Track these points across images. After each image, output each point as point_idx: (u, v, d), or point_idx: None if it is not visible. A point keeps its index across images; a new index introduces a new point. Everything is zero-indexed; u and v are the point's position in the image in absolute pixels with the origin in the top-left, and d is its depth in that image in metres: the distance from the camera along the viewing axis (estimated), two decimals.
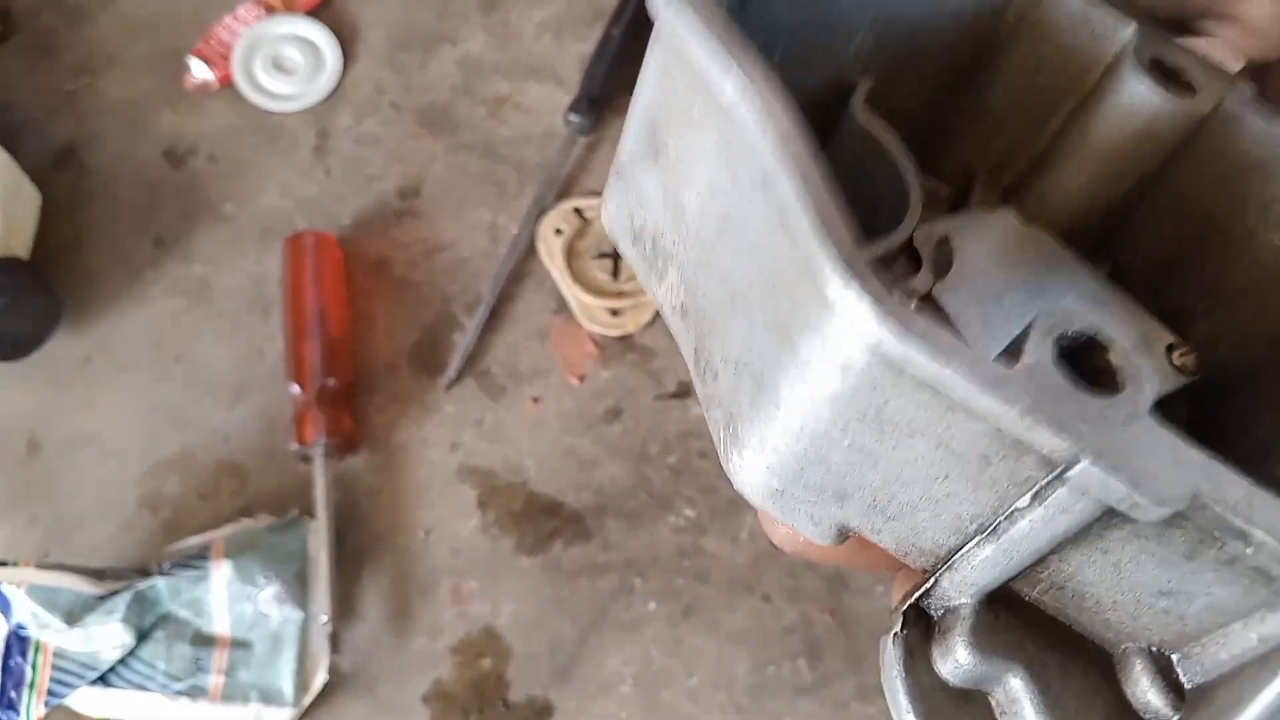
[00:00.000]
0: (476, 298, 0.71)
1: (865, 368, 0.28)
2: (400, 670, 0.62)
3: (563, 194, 0.75)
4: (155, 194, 0.75)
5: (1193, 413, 0.42)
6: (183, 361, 0.70)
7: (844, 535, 0.34)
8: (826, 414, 0.30)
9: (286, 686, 0.59)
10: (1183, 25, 0.46)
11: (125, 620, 0.57)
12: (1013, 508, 0.29)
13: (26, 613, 0.56)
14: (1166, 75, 0.40)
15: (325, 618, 0.60)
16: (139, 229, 0.74)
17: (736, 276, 0.36)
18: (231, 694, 0.58)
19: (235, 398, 0.69)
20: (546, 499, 0.66)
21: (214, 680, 0.58)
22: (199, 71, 0.78)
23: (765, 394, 0.33)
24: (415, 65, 0.80)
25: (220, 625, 0.59)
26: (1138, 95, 0.40)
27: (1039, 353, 0.28)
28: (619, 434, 0.68)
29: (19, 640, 0.57)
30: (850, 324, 0.27)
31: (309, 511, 0.64)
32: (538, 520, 0.66)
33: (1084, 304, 0.38)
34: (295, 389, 0.66)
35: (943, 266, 0.40)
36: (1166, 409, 0.37)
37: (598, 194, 0.75)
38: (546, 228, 0.73)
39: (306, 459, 0.65)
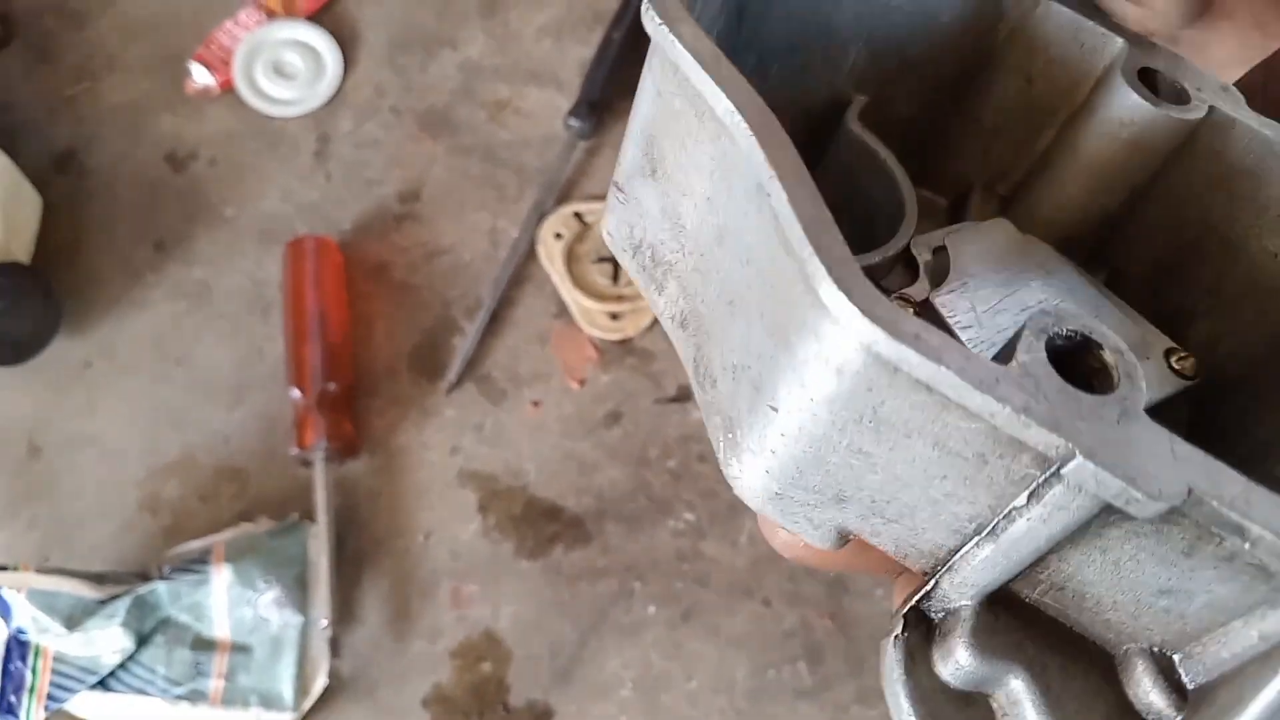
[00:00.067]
0: (477, 302, 0.71)
1: (860, 369, 0.28)
2: (400, 674, 0.62)
3: (563, 198, 0.75)
4: (156, 197, 0.75)
5: (1193, 414, 0.42)
6: (183, 365, 0.70)
7: (844, 538, 0.34)
8: (824, 416, 0.30)
9: (286, 691, 0.59)
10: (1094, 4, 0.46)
11: (125, 625, 0.57)
12: (1010, 507, 0.29)
13: (27, 617, 0.56)
14: (1156, 84, 0.41)
15: (325, 622, 0.60)
16: (139, 232, 0.74)
17: (734, 284, 0.37)
18: (231, 698, 0.58)
19: (235, 401, 0.69)
20: (546, 503, 0.66)
21: (214, 684, 0.58)
22: (200, 76, 0.78)
23: (763, 398, 0.33)
24: (415, 69, 0.80)
25: (220, 630, 0.59)
26: (1127, 106, 0.40)
27: (1032, 352, 0.28)
28: (619, 438, 0.68)
29: (19, 645, 0.57)
30: (844, 326, 0.28)
31: (309, 515, 0.64)
32: (538, 524, 0.66)
33: (1079, 307, 0.38)
34: (295, 393, 0.66)
35: (939, 275, 0.40)
36: (1166, 412, 0.37)
37: (598, 198, 0.75)
38: (546, 232, 0.73)
39: (307, 463, 0.65)
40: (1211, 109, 0.40)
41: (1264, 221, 0.41)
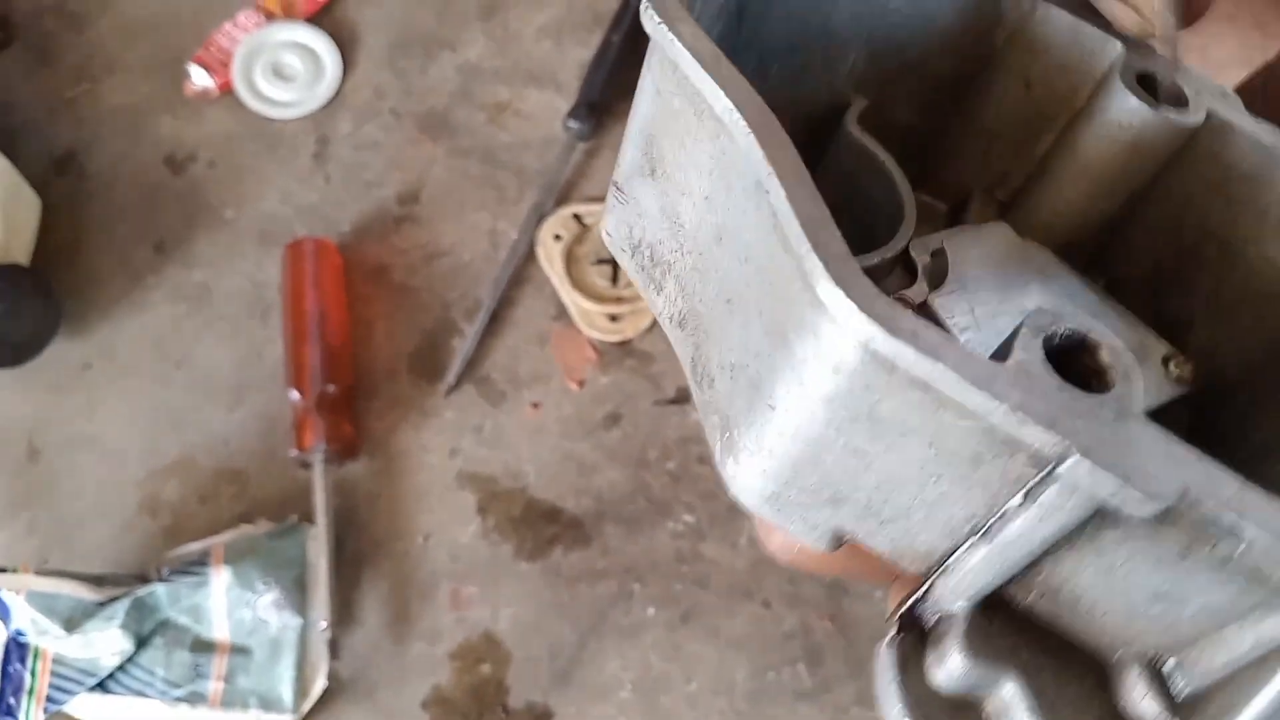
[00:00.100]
0: (476, 303, 0.71)
1: (858, 366, 0.28)
2: (399, 676, 0.62)
3: (562, 200, 0.75)
4: (155, 199, 0.75)
5: (1192, 419, 0.42)
6: (183, 366, 0.70)
7: (839, 540, 0.34)
8: (821, 414, 0.30)
9: (286, 692, 0.59)
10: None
11: (124, 626, 0.57)
12: (1005, 508, 0.29)
13: (25, 619, 0.56)
14: (1155, 88, 0.41)
15: (324, 624, 0.60)
16: (139, 234, 0.74)
17: (733, 283, 0.37)
18: (231, 700, 0.58)
19: (235, 402, 0.69)
20: (546, 504, 0.66)
21: (213, 686, 0.58)
22: (199, 78, 0.78)
23: (761, 397, 0.33)
24: (415, 71, 0.80)
25: (219, 631, 0.59)
26: (1126, 110, 0.40)
27: (1029, 350, 0.28)
28: (618, 439, 0.68)
29: (18, 647, 0.57)
30: (842, 323, 0.28)
31: (308, 517, 0.64)
32: (537, 526, 0.66)
33: (1075, 319, 0.38)
34: (295, 395, 0.66)
35: (938, 277, 0.40)
36: (1165, 417, 0.37)
37: (597, 200, 0.75)
38: (546, 233, 0.73)
39: (306, 465, 0.65)
40: (1210, 113, 0.40)
41: (1262, 227, 0.41)
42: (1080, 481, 0.27)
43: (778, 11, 0.42)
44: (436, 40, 0.81)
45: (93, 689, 0.57)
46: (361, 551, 0.65)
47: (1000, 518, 0.29)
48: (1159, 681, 0.31)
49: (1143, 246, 0.45)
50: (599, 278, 0.72)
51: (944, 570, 0.32)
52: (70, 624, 0.56)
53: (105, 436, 0.68)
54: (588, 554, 0.65)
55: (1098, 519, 0.28)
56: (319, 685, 0.60)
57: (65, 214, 0.74)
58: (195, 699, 0.58)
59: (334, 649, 0.61)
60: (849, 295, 0.27)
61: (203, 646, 0.59)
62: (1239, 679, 0.30)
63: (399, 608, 0.63)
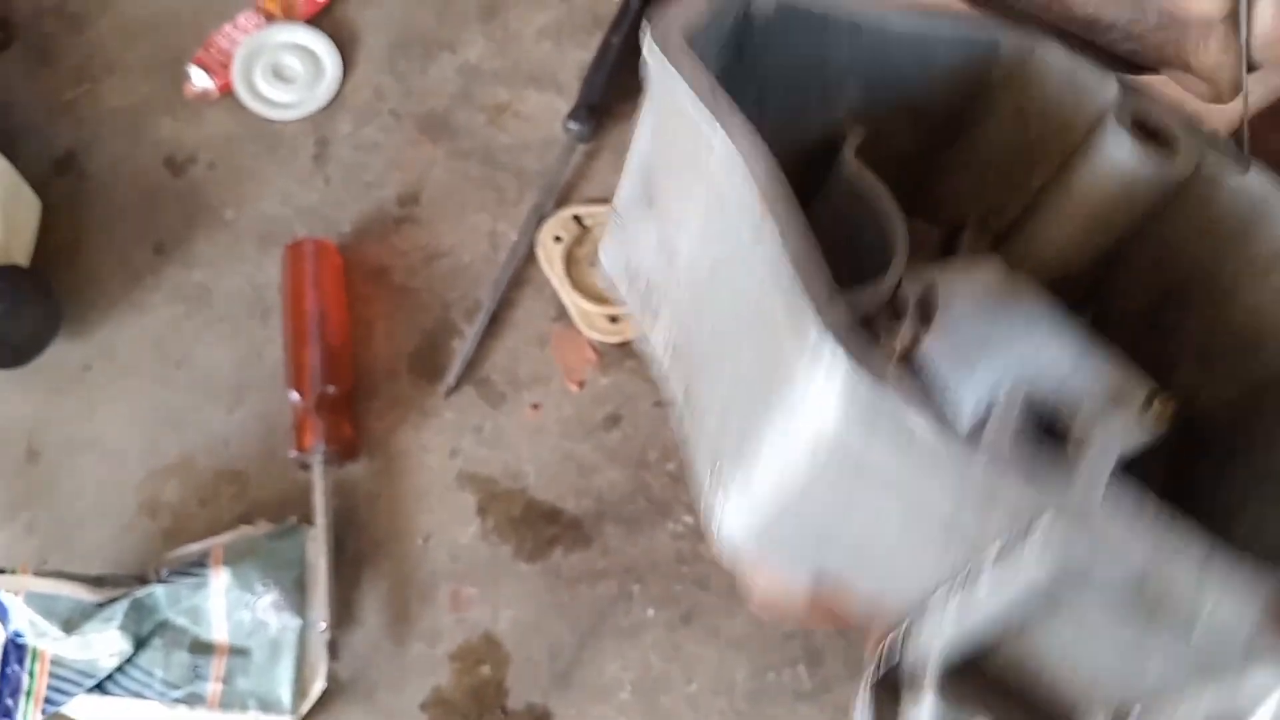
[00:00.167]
0: (476, 304, 0.71)
1: (844, 415, 0.29)
2: (399, 677, 0.62)
3: (562, 201, 0.75)
4: (155, 201, 0.75)
5: (1171, 466, 0.42)
6: (183, 367, 0.70)
7: (820, 580, 0.35)
8: (807, 458, 0.31)
9: (285, 694, 0.59)
10: (1142, 67, 0.46)
11: (123, 628, 0.57)
12: (980, 562, 0.29)
13: (24, 620, 0.56)
14: (1148, 133, 0.41)
15: (324, 625, 0.60)
16: (139, 235, 0.74)
17: (726, 320, 0.37)
18: (229, 701, 0.58)
19: (235, 403, 0.69)
20: (546, 505, 0.66)
21: (212, 688, 0.58)
22: (199, 79, 0.78)
23: (751, 436, 0.33)
24: (415, 72, 0.80)
25: (218, 633, 0.59)
26: (1120, 156, 0.40)
27: (1008, 415, 0.29)
28: (618, 440, 0.68)
29: (16, 648, 0.57)
30: (829, 371, 0.28)
31: (308, 518, 0.64)
32: (537, 526, 0.66)
33: (1059, 360, 0.38)
34: (295, 396, 0.66)
35: (927, 316, 0.40)
36: (1144, 462, 0.37)
37: (597, 201, 0.75)
38: (546, 235, 0.73)
39: (306, 466, 0.65)
40: (1201, 162, 0.40)
41: (1247, 275, 0.41)
42: (1050, 544, 0.27)
43: (778, 48, 0.42)
44: (436, 41, 0.81)
45: (91, 690, 0.57)
46: (361, 552, 0.65)
47: (975, 570, 0.30)
48: None
49: (1131, 284, 0.45)
50: (599, 279, 0.71)
51: (921, 615, 0.32)
52: (69, 625, 0.56)
53: (105, 437, 0.68)
54: (588, 555, 0.65)
55: (1065, 580, 0.28)
56: (318, 686, 0.60)
57: (65, 215, 0.74)
58: (194, 700, 0.58)
59: (333, 650, 0.60)
60: (838, 342, 0.28)
61: (201, 648, 0.59)
62: None
63: (399, 609, 0.63)
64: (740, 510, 0.35)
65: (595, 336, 0.70)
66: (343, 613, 0.62)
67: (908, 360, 0.39)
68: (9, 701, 0.56)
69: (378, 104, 0.79)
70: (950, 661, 0.32)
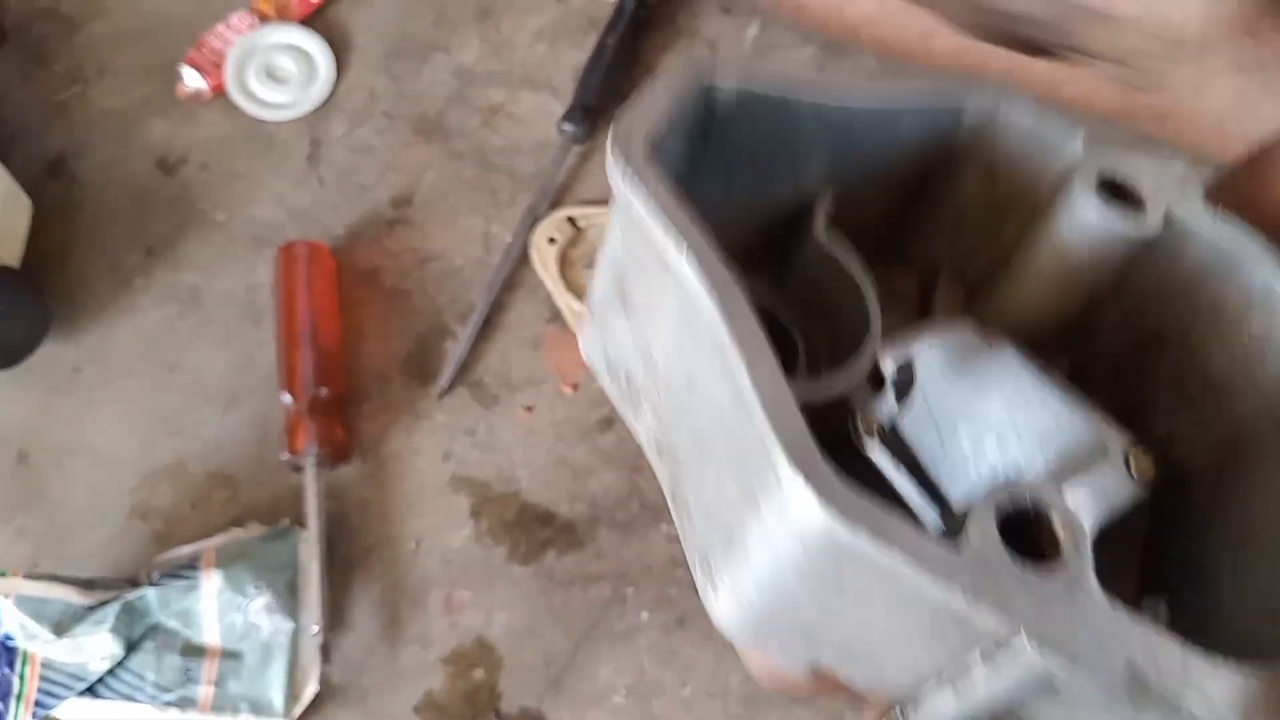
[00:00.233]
0: (469, 307, 0.71)
1: (821, 544, 0.29)
2: (392, 681, 0.61)
3: (556, 203, 0.75)
4: (147, 202, 0.75)
5: (1153, 516, 0.42)
6: (174, 370, 0.70)
7: (816, 668, 0.36)
8: (791, 574, 0.31)
9: (277, 697, 0.59)
10: (1046, 51, 0.47)
11: (114, 631, 0.57)
12: (965, 662, 0.30)
13: (14, 623, 0.56)
14: (1116, 191, 0.41)
15: (316, 628, 0.60)
16: (130, 237, 0.74)
17: (705, 431, 0.37)
18: (221, 705, 0.58)
19: (227, 406, 0.68)
20: (539, 508, 0.66)
21: (204, 691, 0.58)
22: (191, 80, 0.78)
23: (735, 547, 0.34)
24: (409, 74, 0.80)
25: (210, 636, 0.59)
26: (1088, 218, 0.40)
27: (985, 530, 0.30)
28: (612, 443, 0.68)
29: (6, 651, 0.57)
30: (802, 508, 0.28)
31: (300, 521, 0.64)
32: (530, 529, 0.65)
33: (1041, 419, 0.39)
34: (287, 398, 0.65)
35: (904, 389, 0.40)
36: (1126, 518, 0.38)
37: (591, 203, 0.75)
38: (540, 236, 0.73)
39: (298, 468, 0.65)
40: (1169, 217, 0.40)
41: (1220, 323, 0.42)
42: (1030, 657, 0.28)
43: (742, 129, 0.42)
44: (430, 43, 0.81)
45: (82, 693, 0.57)
46: (353, 556, 0.64)
47: (961, 670, 0.30)
48: None
49: (1106, 333, 0.45)
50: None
51: (913, 703, 0.33)
52: (59, 628, 0.56)
53: (96, 441, 0.68)
54: (581, 558, 0.65)
55: (1051, 678, 0.29)
56: (310, 690, 0.60)
57: (56, 217, 0.74)
58: (185, 703, 0.58)
59: (326, 653, 0.60)
60: (810, 485, 0.28)
61: (193, 651, 0.59)
62: None
63: (391, 612, 0.63)
64: (731, 606, 0.35)
65: None
66: (335, 616, 0.62)
67: (887, 434, 0.40)
68: (0, 705, 0.56)
69: (371, 105, 0.79)
70: None
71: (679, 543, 0.65)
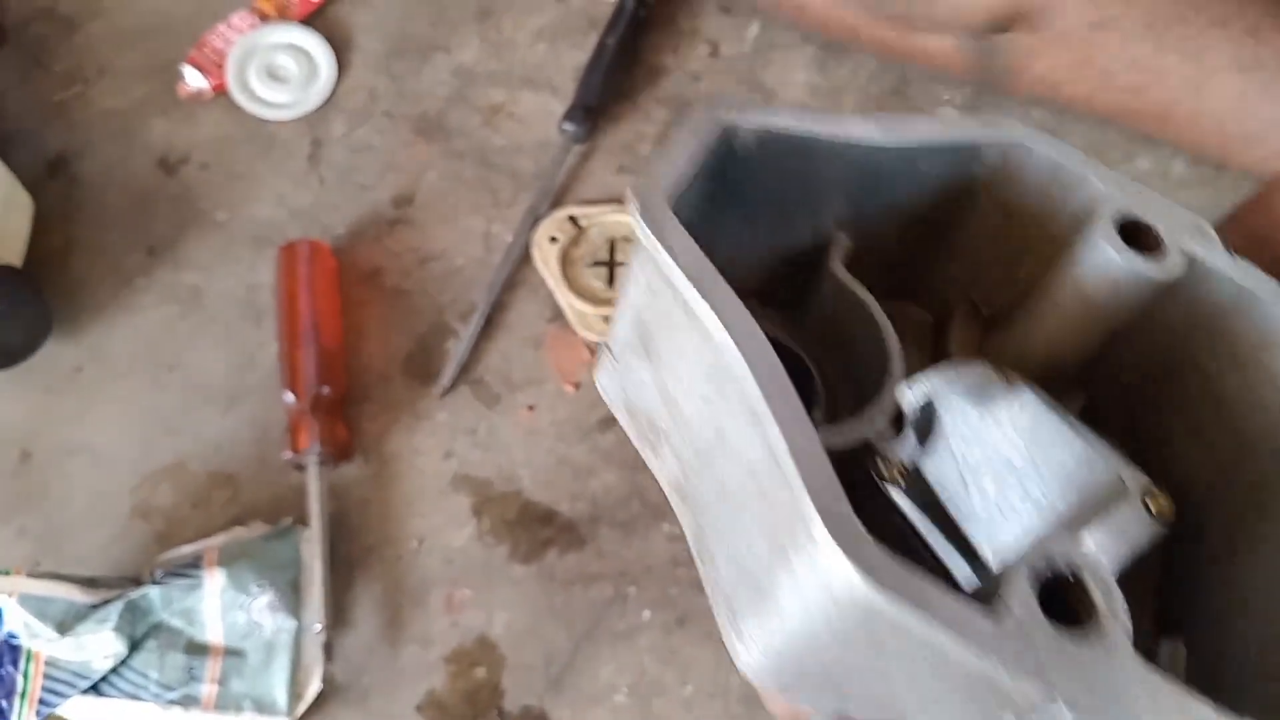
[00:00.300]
0: (470, 306, 0.71)
1: (857, 609, 0.29)
2: (394, 680, 0.62)
3: (557, 202, 0.75)
4: (147, 202, 0.75)
5: (1169, 553, 0.42)
6: (175, 370, 0.70)
7: (842, 718, 0.36)
8: (824, 632, 0.31)
9: (280, 696, 0.59)
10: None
11: (118, 629, 0.57)
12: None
13: (18, 622, 0.56)
14: (1135, 232, 0.41)
15: (319, 626, 0.60)
16: (131, 237, 0.74)
17: (733, 484, 0.37)
18: (225, 703, 0.58)
19: (228, 406, 0.69)
20: (541, 508, 0.66)
21: (207, 689, 0.58)
22: (193, 79, 0.78)
23: (765, 599, 0.34)
24: (410, 74, 0.80)
25: (213, 634, 0.59)
26: (1109, 262, 0.40)
27: (1023, 596, 0.30)
28: (613, 442, 0.68)
29: (10, 649, 0.57)
30: (841, 577, 0.28)
31: (302, 520, 0.64)
32: (532, 528, 0.65)
33: (1063, 461, 0.39)
34: (289, 397, 0.65)
35: (925, 429, 0.41)
36: (1140, 563, 0.38)
37: (592, 202, 0.75)
38: (541, 236, 0.73)
39: (300, 467, 0.65)
40: (1190, 258, 0.40)
41: (1238, 359, 0.42)
42: (1075, 708, 0.28)
43: (762, 171, 0.42)
44: (431, 43, 0.81)
45: (86, 692, 0.57)
46: (355, 554, 0.65)
47: None
48: None
49: (1120, 368, 0.46)
50: (595, 280, 0.71)
51: None
52: (63, 627, 0.56)
53: (97, 440, 0.68)
54: (582, 557, 0.65)
55: None
56: (313, 688, 0.60)
57: (57, 217, 0.74)
58: (189, 702, 0.58)
59: (328, 652, 0.60)
60: (848, 555, 0.28)
61: (196, 649, 0.59)
62: None
63: (393, 611, 0.63)
64: (759, 656, 0.35)
65: (591, 338, 0.70)
66: (337, 615, 0.62)
67: (909, 475, 0.40)
68: (3, 703, 0.56)
69: (372, 105, 0.79)
70: None
71: (681, 542, 0.65)
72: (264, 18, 0.81)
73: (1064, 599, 0.31)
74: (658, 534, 0.65)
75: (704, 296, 0.34)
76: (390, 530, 0.65)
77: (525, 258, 0.73)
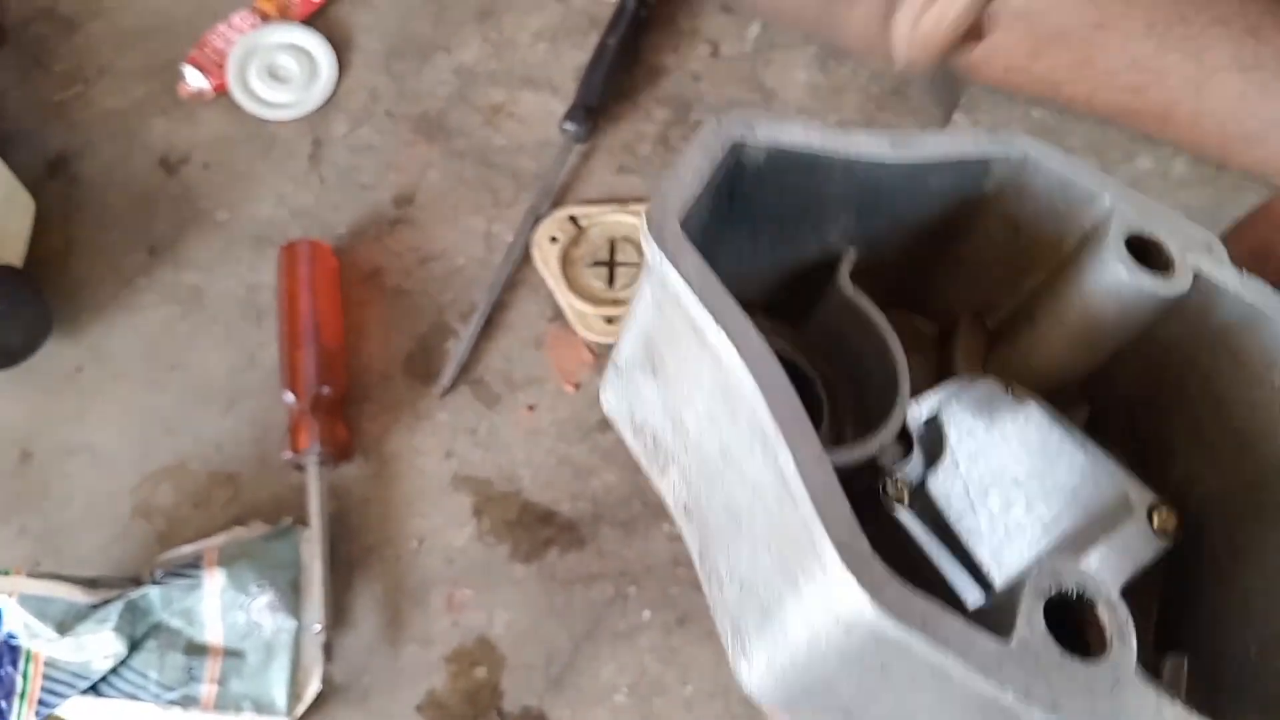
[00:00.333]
0: (471, 306, 0.71)
1: (867, 635, 0.29)
2: (394, 680, 0.62)
3: (558, 202, 0.75)
4: (148, 202, 0.75)
5: (1171, 565, 0.42)
6: (175, 370, 0.70)
7: None
8: (832, 656, 0.31)
9: (280, 696, 0.59)
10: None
11: (117, 629, 0.57)
12: None
13: (18, 622, 0.56)
14: (1145, 247, 0.41)
15: (319, 627, 0.60)
16: (132, 237, 0.74)
17: (739, 504, 0.37)
18: (224, 703, 0.58)
19: (228, 406, 0.69)
20: (541, 507, 0.66)
21: (206, 689, 0.58)
22: (193, 79, 0.78)
23: (772, 622, 0.34)
24: (410, 73, 0.80)
25: (213, 634, 0.59)
26: (1118, 278, 0.40)
27: (1033, 623, 0.30)
28: (614, 442, 0.68)
29: (10, 650, 0.57)
30: (852, 604, 0.28)
31: (302, 520, 0.64)
32: (532, 528, 0.65)
33: (1068, 478, 0.39)
34: (290, 397, 0.65)
35: (932, 451, 0.41)
36: (1144, 575, 0.38)
37: (593, 202, 0.75)
38: (541, 236, 0.73)
39: (300, 467, 0.65)
40: (1197, 273, 0.40)
41: (1243, 373, 0.42)
42: None
43: (770, 186, 0.42)
44: (432, 43, 0.81)
45: (85, 692, 0.57)
46: (355, 555, 0.64)
47: None
48: None
49: (1126, 381, 0.45)
50: (595, 280, 0.71)
51: None
52: (62, 627, 0.56)
53: (97, 440, 0.68)
54: (583, 557, 0.65)
55: None
56: (313, 688, 0.60)
57: (58, 217, 0.74)
58: (188, 702, 0.58)
59: (328, 652, 0.60)
60: (859, 581, 0.28)
61: (196, 649, 0.59)
62: None
63: (393, 611, 0.63)
64: (765, 678, 0.35)
65: (591, 337, 0.70)
66: (337, 615, 0.62)
67: (915, 494, 0.40)
68: (3, 703, 0.56)
69: (373, 105, 0.79)
70: None
71: (681, 542, 0.65)
72: (265, 18, 0.81)
73: (1070, 618, 0.31)
74: (658, 534, 0.65)
75: (716, 320, 0.34)
76: (390, 530, 0.65)
77: (526, 258, 0.73)
